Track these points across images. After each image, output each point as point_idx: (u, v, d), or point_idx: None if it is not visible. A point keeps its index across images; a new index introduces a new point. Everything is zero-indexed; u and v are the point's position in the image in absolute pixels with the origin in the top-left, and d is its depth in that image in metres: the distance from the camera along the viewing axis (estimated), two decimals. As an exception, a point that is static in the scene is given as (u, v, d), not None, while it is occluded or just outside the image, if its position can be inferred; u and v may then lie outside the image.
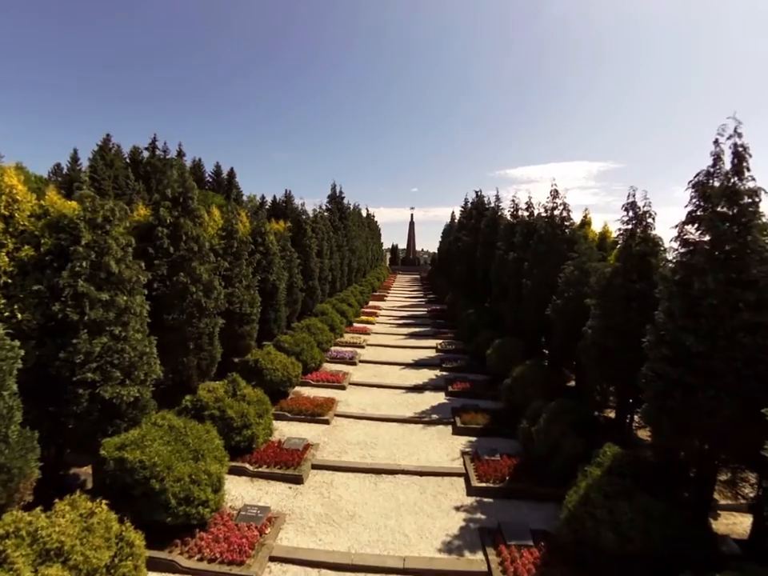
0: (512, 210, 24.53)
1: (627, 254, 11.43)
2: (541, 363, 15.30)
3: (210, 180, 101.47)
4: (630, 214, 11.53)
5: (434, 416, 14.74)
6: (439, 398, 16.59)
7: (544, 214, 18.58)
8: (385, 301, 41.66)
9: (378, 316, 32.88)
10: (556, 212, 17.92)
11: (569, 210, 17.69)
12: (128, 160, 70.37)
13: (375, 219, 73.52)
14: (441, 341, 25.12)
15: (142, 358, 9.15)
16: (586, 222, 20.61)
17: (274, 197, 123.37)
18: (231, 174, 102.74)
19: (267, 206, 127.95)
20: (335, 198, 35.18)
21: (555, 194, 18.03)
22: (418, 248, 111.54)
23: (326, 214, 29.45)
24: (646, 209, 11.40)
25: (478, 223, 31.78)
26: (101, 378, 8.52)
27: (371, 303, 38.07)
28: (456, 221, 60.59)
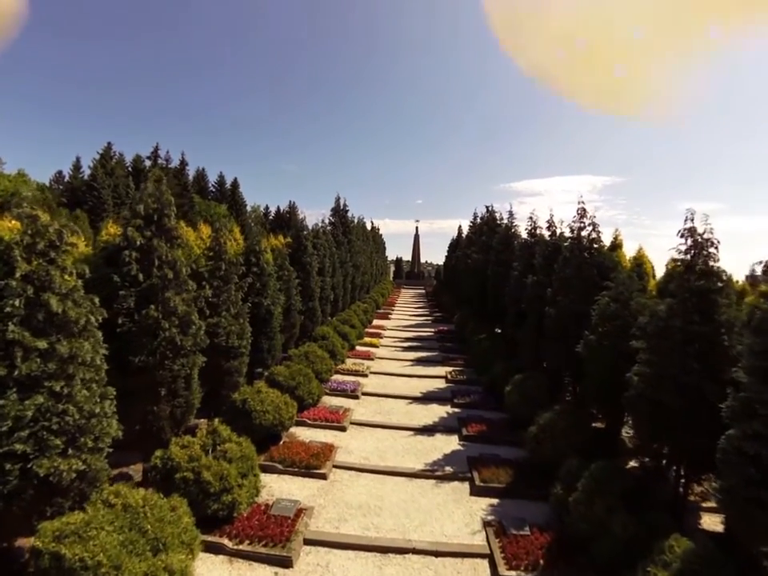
0: (530, 227, 22.68)
1: (685, 290, 9.56)
2: (572, 409, 13.31)
3: (214, 190, 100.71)
4: (689, 241, 9.69)
5: (448, 468, 12.76)
6: (452, 442, 14.62)
7: (569, 234, 16.77)
8: (389, 319, 39.76)
9: (382, 337, 30.98)
10: (584, 233, 16.08)
11: (599, 232, 15.86)
12: (130, 169, 69.43)
13: (380, 232, 71.98)
14: (450, 368, 23.21)
15: (91, 420, 7.31)
16: (616, 245, 18.72)
17: (278, 208, 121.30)
18: (235, 184, 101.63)
19: (271, 217, 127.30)
20: (339, 212, 33.52)
21: (583, 212, 16.21)
22: (422, 260, 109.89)
23: (328, 228, 27.67)
24: (707, 236, 9.56)
25: (489, 240, 30.00)
26: (34, 449, 6.69)
27: (375, 322, 36.20)
28: (464, 235, 59.02)
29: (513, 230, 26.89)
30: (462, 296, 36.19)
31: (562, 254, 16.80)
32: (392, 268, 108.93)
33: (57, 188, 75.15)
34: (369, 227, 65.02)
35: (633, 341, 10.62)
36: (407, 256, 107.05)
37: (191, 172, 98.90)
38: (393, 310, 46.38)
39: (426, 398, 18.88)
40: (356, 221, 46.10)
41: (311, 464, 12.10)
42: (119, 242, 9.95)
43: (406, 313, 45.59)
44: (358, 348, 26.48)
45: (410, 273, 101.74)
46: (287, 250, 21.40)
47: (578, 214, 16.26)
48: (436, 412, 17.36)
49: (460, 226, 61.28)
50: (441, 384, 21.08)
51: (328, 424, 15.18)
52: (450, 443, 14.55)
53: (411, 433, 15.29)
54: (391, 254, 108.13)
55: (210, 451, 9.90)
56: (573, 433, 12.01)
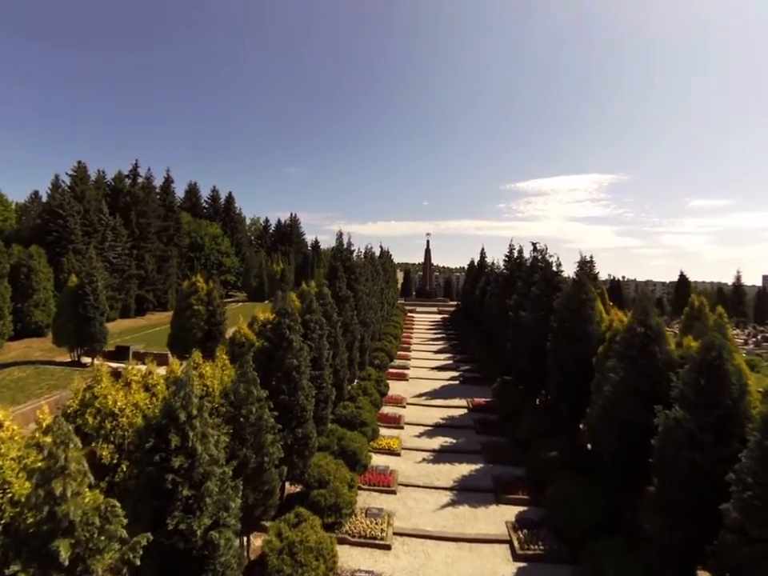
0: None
1: None
2: None
3: (207, 206, 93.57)
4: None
5: None
6: None
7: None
8: (407, 380, 31.81)
9: (401, 424, 23.17)
10: None
11: None
12: (108, 190, 62.16)
13: (390, 254, 64.16)
14: (510, 502, 15.63)
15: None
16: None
17: (279, 220, 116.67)
18: (229, 199, 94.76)
19: (271, 230, 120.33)
20: (342, 253, 25.74)
21: None
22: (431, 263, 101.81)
23: (325, 288, 19.91)
24: None
25: (546, 295, 22.10)
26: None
27: (391, 389, 28.29)
28: (488, 258, 51.24)
29: (586, 296, 18.88)
30: (505, 354, 28.26)
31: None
32: (400, 281, 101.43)
33: (33, 209, 68.79)
34: (378, 251, 57.36)
35: None
36: (413, 259, 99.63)
37: (182, 187, 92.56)
38: (409, 358, 38.40)
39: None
40: (363, 252, 38.51)
41: None
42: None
43: (425, 362, 37.49)
44: (373, 460, 18.68)
45: (422, 289, 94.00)
46: (268, 345, 13.70)
47: None
48: None
49: (483, 249, 53.62)
50: (501, 534, 13.33)
51: None
52: None
53: None
54: (397, 258, 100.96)
55: None
56: None
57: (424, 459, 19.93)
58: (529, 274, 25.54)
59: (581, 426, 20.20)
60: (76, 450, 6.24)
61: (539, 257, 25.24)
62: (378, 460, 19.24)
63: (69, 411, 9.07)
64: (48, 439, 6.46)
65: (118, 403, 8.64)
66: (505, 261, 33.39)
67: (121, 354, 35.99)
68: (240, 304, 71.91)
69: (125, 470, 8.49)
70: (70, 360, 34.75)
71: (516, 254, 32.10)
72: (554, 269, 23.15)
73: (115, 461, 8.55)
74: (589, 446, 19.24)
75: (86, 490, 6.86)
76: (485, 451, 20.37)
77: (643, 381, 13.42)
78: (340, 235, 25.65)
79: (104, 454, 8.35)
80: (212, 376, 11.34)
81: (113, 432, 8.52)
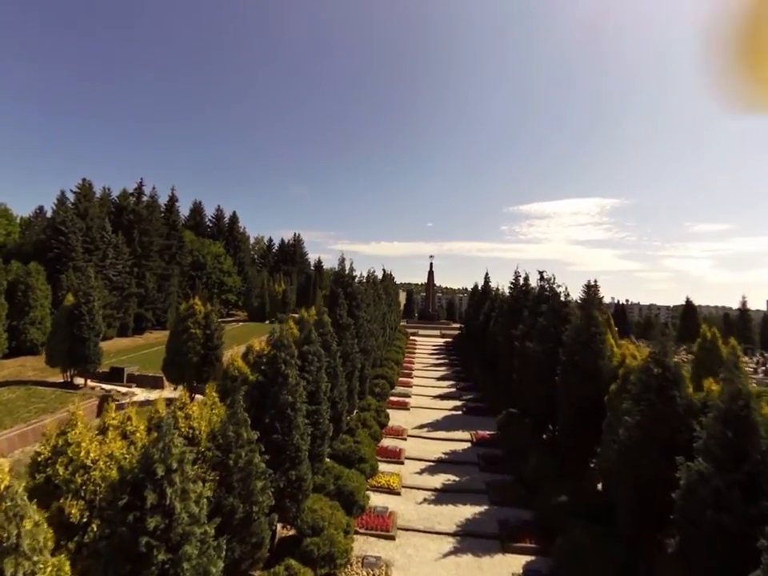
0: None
1: None
2: None
3: (211, 225, 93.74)
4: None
5: None
6: None
7: None
8: (408, 410, 30.71)
9: (402, 458, 22.11)
10: None
11: None
12: (112, 207, 62.24)
13: (393, 277, 63.58)
14: (517, 551, 14.57)
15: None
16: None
17: (282, 240, 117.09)
18: (233, 218, 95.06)
19: (275, 249, 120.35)
20: (343, 280, 25.09)
21: None
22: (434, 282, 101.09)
23: (325, 316, 19.24)
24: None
25: (554, 327, 21.31)
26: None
27: (391, 419, 27.22)
28: (491, 283, 50.55)
29: (598, 335, 18.09)
30: (510, 384, 27.33)
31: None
32: (402, 302, 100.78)
33: (37, 223, 68.79)
34: (381, 273, 56.78)
35: None
36: (416, 279, 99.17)
37: (186, 207, 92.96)
38: (410, 386, 37.37)
39: None
40: (365, 276, 37.94)
41: None
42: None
43: (426, 391, 36.43)
44: (371, 497, 17.67)
45: (424, 311, 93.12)
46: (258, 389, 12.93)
47: None
48: None
49: (487, 274, 53.00)
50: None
51: None
52: None
53: None
54: (399, 278, 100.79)
55: None
56: None
57: (425, 499, 18.84)
58: (535, 303, 24.78)
59: (591, 464, 19.25)
60: (31, 523, 5.48)
61: (546, 286, 24.53)
62: (376, 499, 18.20)
63: (39, 459, 8.30)
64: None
65: (91, 454, 7.87)
66: (510, 287, 32.65)
67: (115, 375, 35.19)
68: (240, 324, 71.18)
69: (95, 529, 7.66)
70: (62, 381, 33.92)
71: (522, 281, 31.39)
72: (562, 298, 22.39)
73: (85, 519, 7.74)
74: (599, 485, 18.27)
75: (48, 558, 6.10)
76: (490, 491, 19.29)
77: (662, 427, 12.56)
78: (342, 260, 25.11)
79: (73, 511, 7.54)
80: (199, 417, 10.56)
81: (84, 487, 7.72)
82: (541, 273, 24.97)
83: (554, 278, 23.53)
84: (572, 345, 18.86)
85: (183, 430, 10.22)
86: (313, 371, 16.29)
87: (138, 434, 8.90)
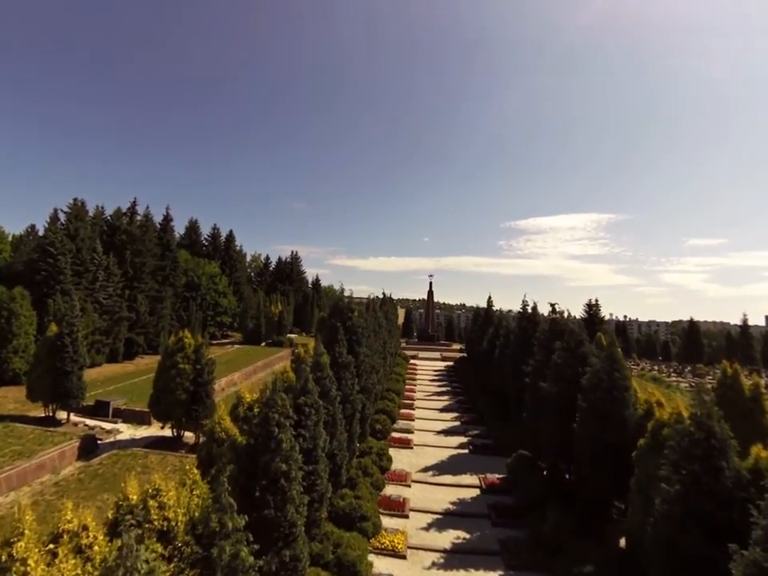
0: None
1: None
2: None
3: (206, 244, 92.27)
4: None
5: None
6: None
7: None
8: (412, 448, 28.91)
9: (404, 512, 20.22)
10: None
11: None
12: (105, 227, 60.81)
13: (392, 299, 62.01)
14: None
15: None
16: None
17: (279, 258, 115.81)
18: (230, 237, 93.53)
19: (272, 268, 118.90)
20: (342, 314, 23.57)
21: None
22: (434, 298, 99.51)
23: (324, 357, 17.72)
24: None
25: (570, 365, 19.80)
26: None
27: (393, 466, 25.38)
28: (498, 311, 49.00)
29: (619, 372, 16.64)
30: (521, 422, 25.66)
31: None
32: (400, 318, 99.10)
33: (28, 242, 67.17)
34: (381, 295, 55.30)
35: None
36: (414, 294, 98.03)
37: (181, 226, 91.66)
38: (412, 419, 35.50)
39: None
40: (366, 303, 36.40)
41: None
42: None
43: (429, 425, 34.50)
44: (374, 563, 15.86)
45: (424, 332, 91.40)
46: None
47: None
48: None
49: (490, 297, 51.59)
50: None
51: None
52: None
53: None
54: (398, 294, 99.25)
55: None
56: None
57: (434, 563, 17.02)
58: (547, 338, 23.32)
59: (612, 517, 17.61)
60: None
61: (559, 318, 23.10)
62: (379, 564, 16.38)
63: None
64: None
65: (33, 584, 6.25)
66: (518, 316, 31.19)
67: (100, 409, 33.27)
68: (235, 347, 69.23)
69: None
70: (44, 415, 31.95)
71: (530, 310, 29.96)
72: (578, 335, 20.91)
73: None
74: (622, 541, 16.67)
75: None
76: (504, 552, 17.48)
77: (707, 503, 10.99)
78: (342, 291, 23.66)
79: None
80: (176, 505, 8.93)
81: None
82: (552, 305, 23.58)
83: (569, 313, 22.10)
84: (593, 391, 17.35)
85: (157, 523, 8.60)
86: (310, 426, 14.67)
87: (96, 548, 7.27)
